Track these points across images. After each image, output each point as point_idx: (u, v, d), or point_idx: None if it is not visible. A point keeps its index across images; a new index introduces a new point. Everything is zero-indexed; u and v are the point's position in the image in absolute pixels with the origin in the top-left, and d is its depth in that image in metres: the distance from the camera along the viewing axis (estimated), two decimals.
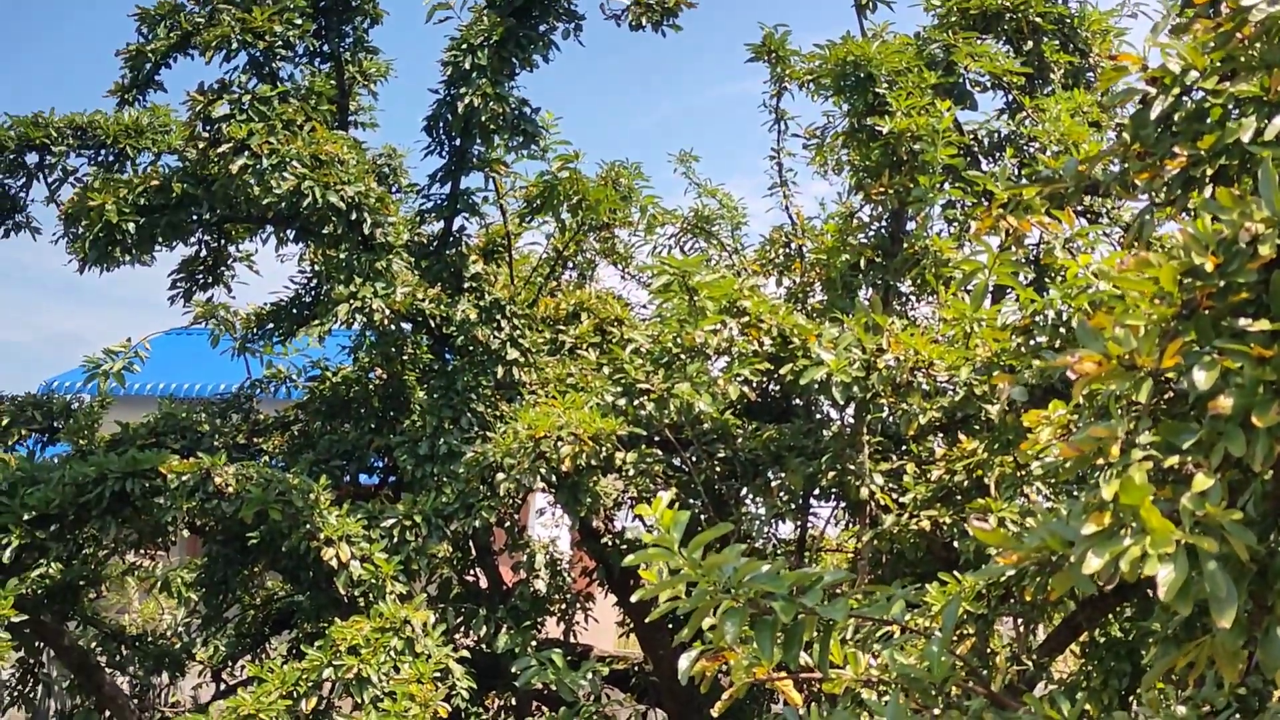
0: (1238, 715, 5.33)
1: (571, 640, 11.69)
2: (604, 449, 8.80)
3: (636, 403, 9.36)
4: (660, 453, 9.69)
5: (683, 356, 9.11)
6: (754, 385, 9.18)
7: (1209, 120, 3.74)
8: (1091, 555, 2.79)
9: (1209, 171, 3.70)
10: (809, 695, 6.10)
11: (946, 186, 9.24)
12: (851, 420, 9.34)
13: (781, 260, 12.11)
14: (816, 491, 9.63)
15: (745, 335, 8.92)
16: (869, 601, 7.79)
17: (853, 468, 8.99)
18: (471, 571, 10.91)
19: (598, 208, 10.17)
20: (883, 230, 10.10)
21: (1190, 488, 2.85)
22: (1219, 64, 3.71)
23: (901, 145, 9.15)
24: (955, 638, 8.09)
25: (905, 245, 9.63)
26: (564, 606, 11.51)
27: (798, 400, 10.57)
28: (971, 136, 10.50)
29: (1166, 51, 3.91)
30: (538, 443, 8.66)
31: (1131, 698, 7.42)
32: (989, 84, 10.18)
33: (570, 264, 13.18)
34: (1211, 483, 2.84)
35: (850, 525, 10.43)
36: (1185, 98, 3.97)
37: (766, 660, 4.97)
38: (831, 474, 9.14)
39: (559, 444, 8.66)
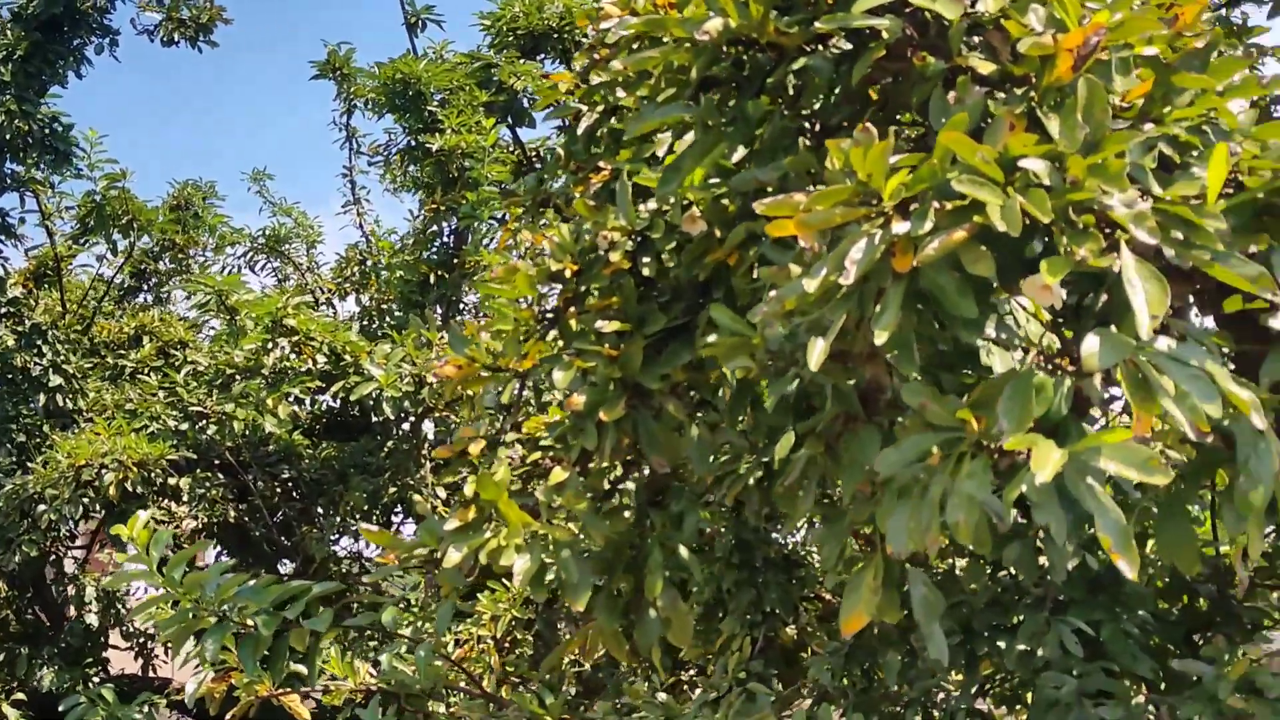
0: (743, 696, 5.65)
1: (151, 674, 11.27)
2: (152, 475, 8.56)
3: (199, 426, 9.16)
4: (221, 476, 9.50)
5: (237, 377, 8.99)
6: (306, 404, 9.11)
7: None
8: (452, 549, 2.92)
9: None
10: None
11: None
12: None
13: (358, 278, 12.07)
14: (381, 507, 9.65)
15: (300, 354, 8.86)
16: (415, 616, 7.87)
17: (413, 482, 9.06)
18: (32, 610, 10.40)
19: (151, 228, 9.87)
20: (446, 246, 10.23)
21: (548, 480, 3.02)
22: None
23: (452, 162, 9.30)
24: (507, 643, 8.24)
25: (464, 260, 9.79)
26: (141, 640, 11.09)
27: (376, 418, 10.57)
28: (534, 152, 10.75)
29: (598, 70, 4.13)
30: (79, 471, 8.36)
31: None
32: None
33: (146, 285, 12.76)
34: (567, 475, 3.03)
35: None
36: (613, 116, 4.19)
37: (252, 675, 4.94)
38: (393, 489, 9.18)
39: (103, 472, 8.37)
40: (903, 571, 2.46)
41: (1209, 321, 3.39)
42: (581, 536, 3.00)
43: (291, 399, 8.51)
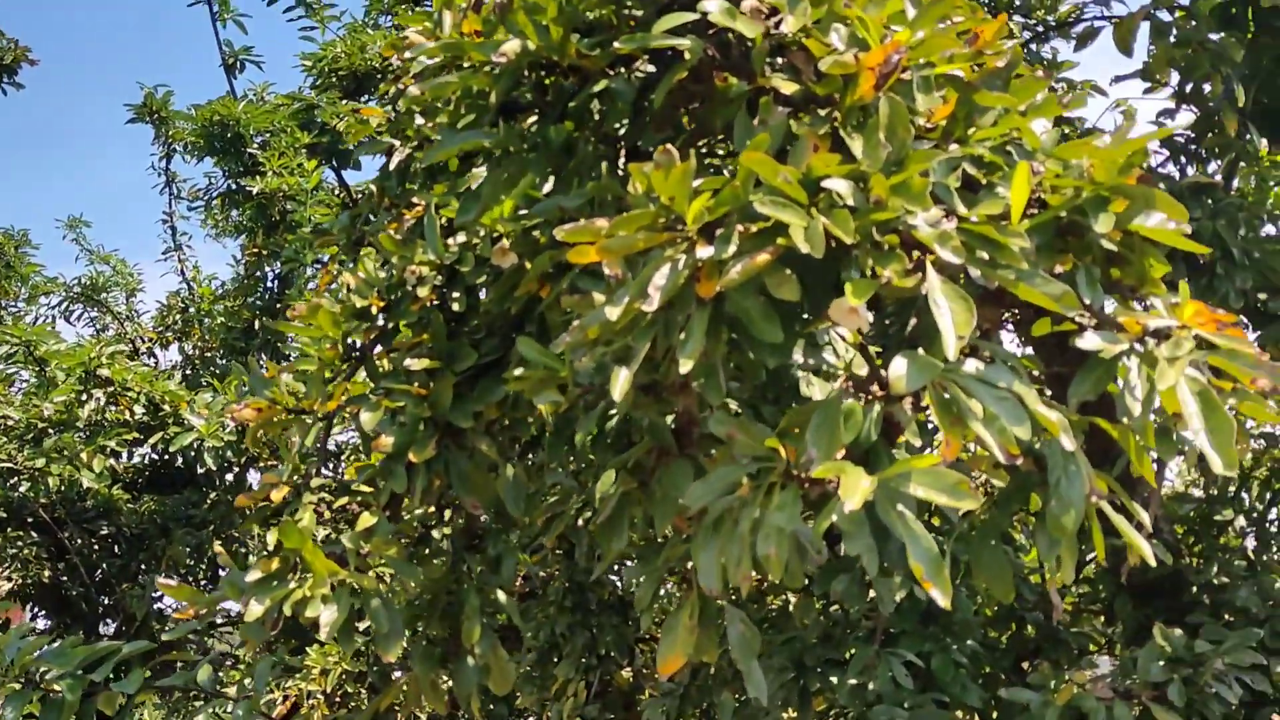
0: None
1: None
2: None
3: (10, 483, 8.77)
4: (34, 535, 9.08)
5: (50, 431, 8.62)
6: (123, 456, 8.77)
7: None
8: (254, 602, 2.77)
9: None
10: None
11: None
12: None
13: (180, 326, 11.70)
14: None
15: (116, 405, 8.54)
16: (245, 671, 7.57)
17: (237, 535, 8.78)
18: None
19: None
20: (270, 291, 9.98)
21: (356, 526, 2.89)
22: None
23: (274, 205, 9.08)
24: (338, 698, 8.00)
25: (289, 304, 9.55)
26: None
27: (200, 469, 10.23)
28: (359, 193, 10.55)
29: (403, 100, 4.01)
30: None
31: None
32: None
33: None
34: (375, 520, 2.89)
35: None
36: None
37: None
38: (219, 541, 8.88)
39: None
40: (720, 609, 2.38)
41: (1030, 349, 3.40)
42: (394, 584, 2.87)
43: (108, 452, 8.17)
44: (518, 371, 2.44)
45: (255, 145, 9.19)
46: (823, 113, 2.16)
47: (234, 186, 9.53)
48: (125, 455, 8.77)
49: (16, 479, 8.86)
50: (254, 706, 4.81)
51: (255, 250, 9.11)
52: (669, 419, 2.53)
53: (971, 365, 2.00)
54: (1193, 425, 1.96)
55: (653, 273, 1.99)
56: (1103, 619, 5.33)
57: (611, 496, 2.46)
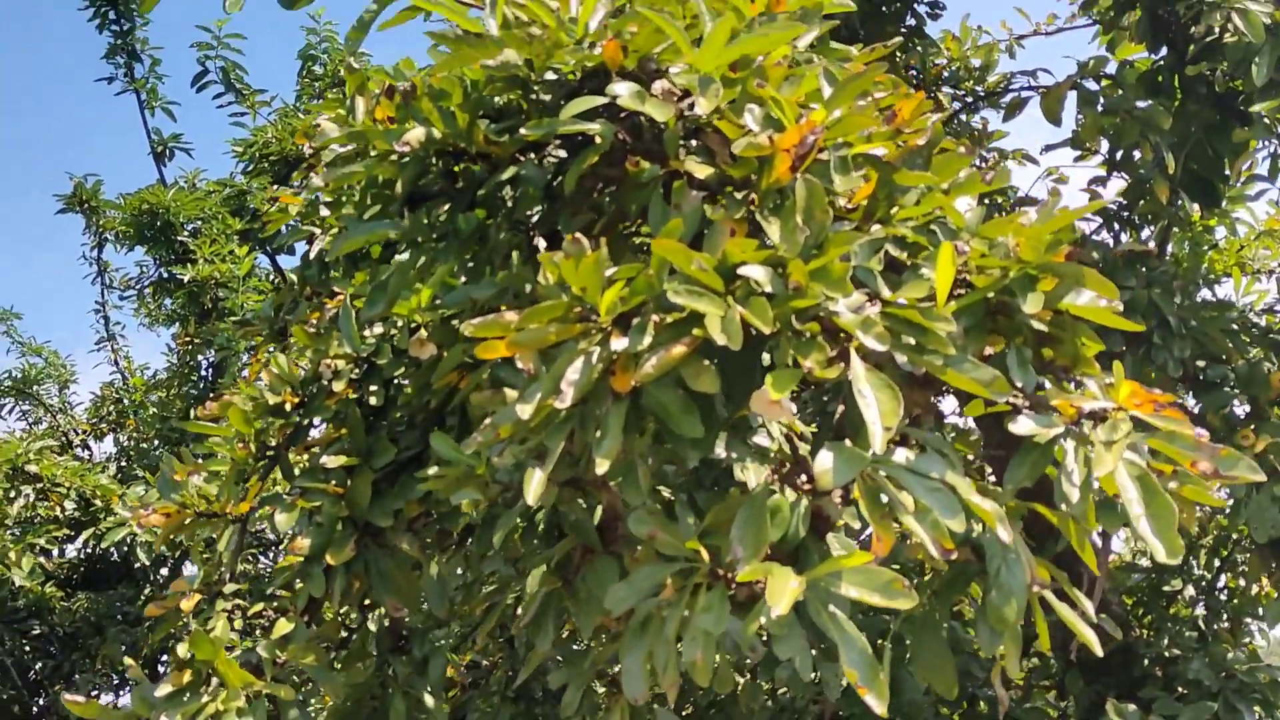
0: None
1: None
2: None
3: None
4: None
5: None
6: (54, 553, 8.54)
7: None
8: (164, 718, 2.62)
9: None
10: None
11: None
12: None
13: (114, 417, 11.47)
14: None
15: (47, 501, 8.34)
16: None
17: (174, 632, 8.54)
18: None
19: None
20: (205, 379, 9.80)
21: (272, 633, 2.76)
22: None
23: (206, 293, 8.94)
24: None
25: (223, 392, 9.38)
26: None
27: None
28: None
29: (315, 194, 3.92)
30: None
31: None
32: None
33: None
34: (292, 626, 2.76)
35: None
36: None
37: None
38: (155, 639, 8.63)
39: None
40: (650, 713, 2.27)
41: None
42: (314, 692, 2.74)
43: (38, 550, 7.95)
44: (433, 470, 2.33)
45: (186, 233, 9.06)
46: (739, 196, 2.09)
47: (165, 275, 9.39)
48: (56, 552, 8.53)
49: None
50: None
51: (188, 339, 8.95)
52: (596, 514, 2.43)
53: (901, 455, 1.92)
54: (1133, 511, 1.89)
55: (565, 367, 1.90)
56: (1054, 694, 5.23)
57: (535, 596, 2.35)
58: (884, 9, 5.49)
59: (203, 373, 9.90)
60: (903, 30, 5.61)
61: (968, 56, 6.22)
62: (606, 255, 1.93)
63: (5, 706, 9.34)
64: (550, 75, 2.24)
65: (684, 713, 5.41)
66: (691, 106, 2.14)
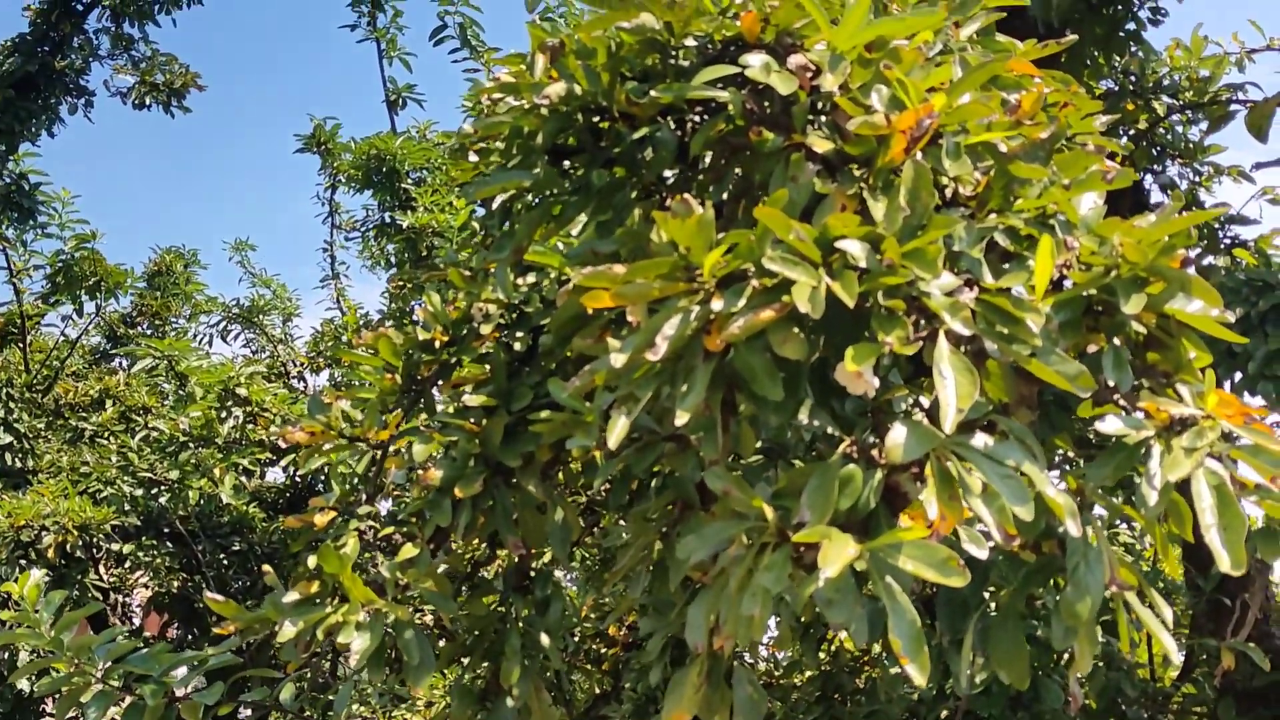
0: None
1: None
2: (94, 539, 8.43)
3: (152, 493, 9.06)
4: (169, 545, 9.36)
5: (190, 445, 8.90)
6: (255, 475, 8.99)
7: None
8: (288, 623, 2.80)
9: None
10: None
11: None
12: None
13: (331, 353, 11.97)
14: None
15: (255, 424, 8.78)
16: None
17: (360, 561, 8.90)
18: None
19: (121, 290, 9.82)
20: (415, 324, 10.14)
21: (397, 556, 2.91)
22: None
23: (423, 240, 9.25)
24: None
25: None
26: None
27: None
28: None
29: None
30: (19, 532, 8.21)
31: None
32: None
33: (117, 349, 12.66)
34: (417, 551, 2.91)
35: None
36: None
37: None
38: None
39: (42, 533, 8.24)
40: (730, 669, 2.33)
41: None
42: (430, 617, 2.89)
43: (241, 470, 8.39)
44: (544, 414, 2.43)
45: (410, 181, 9.38)
46: (856, 172, 2.13)
47: (388, 220, 9.74)
48: (258, 474, 8.98)
49: (157, 490, 9.15)
50: None
51: (401, 283, 9.27)
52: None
53: (980, 440, 1.94)
54: (1205, 520, 1.87)
55: (663, 322, 1.98)
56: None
57: (630, 547, 2.44)
58: (1103, 10, 5.37)
59: (414, 318, 10.25)
60: (1121, 33, 5.48)
61: (1195, 68, 6.04)
62: (713, 217, 1.99)
63: (202, 616, 9.88)
64: (691, 42, 2.31)
65: (817, 694, 5.45)
66: (817, 82, 2.18)
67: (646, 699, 6.73)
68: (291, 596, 2.82)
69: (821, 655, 5.66)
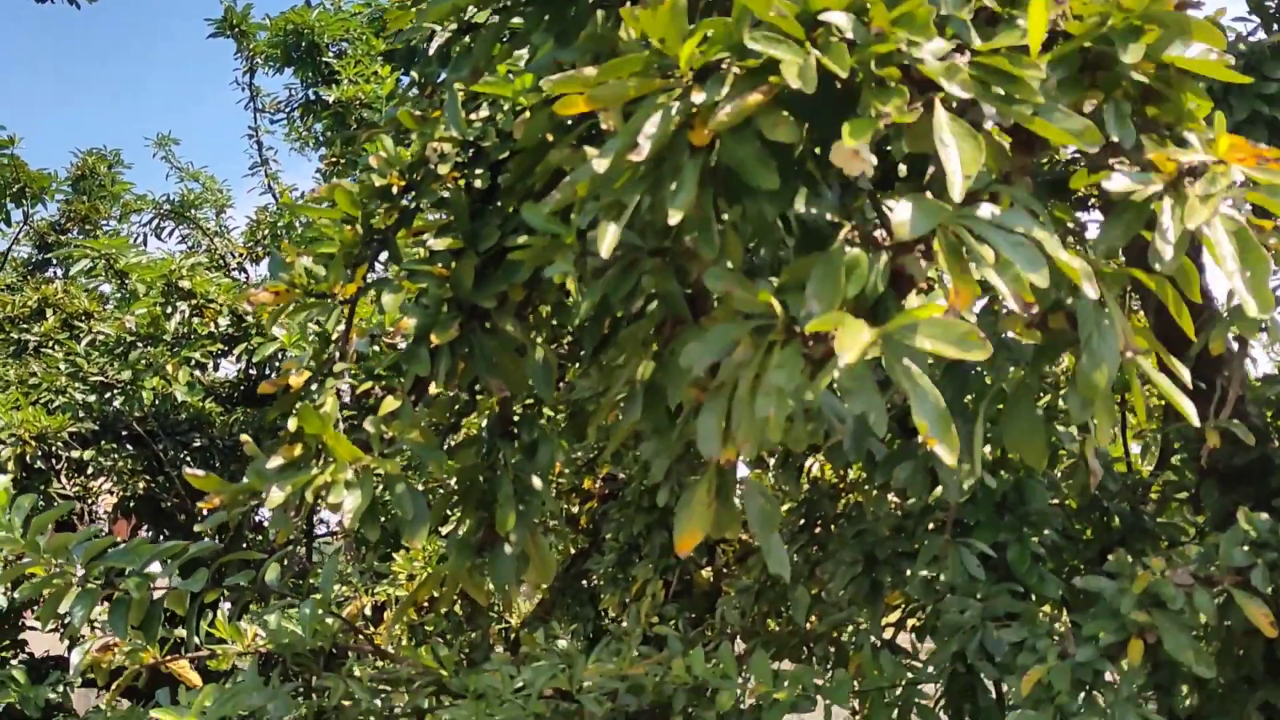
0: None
1: None
2: (53, 448, 8.29)
3: (105, 397, 8.91)
4: (129, 448, 9.23)
5: (138, 344, 8.73)
6: (209, 369, 8.85)
7: None
8: (275, 488, 2.71)
9: None
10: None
11: None
12: None
13: (269, 241, 11.74)
14: None
15: (201, 317, 8.62)
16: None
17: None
18: None
19: (46, 195, 9.54)
20: None
21: (379, 411, 2.82)
22: None
23: (351, 114, 9.02)
24: (426, 603, 8.06)
25: None
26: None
27: None
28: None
29: None
30: None
31: None
32: None
33: (55, 258, 12.36)
34: (399, 404, 2.82)
35: None
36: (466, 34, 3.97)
37: (130, 643, 4.72)
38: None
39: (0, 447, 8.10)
40: (737, 482, 2.27)
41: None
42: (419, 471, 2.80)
43: (193, 364, 8.24)
44: (521, 239, 2.33)
45: (331, 54, 9.12)
46: None
47: (313, 97, 9.48)
48: (211, 367, 8.84)
49: (110, 393, 9.00)
50: (323, 604, 4.80)
51: (334, 159, 9.07)
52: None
53: (987, 210, 1.86)
54: (1226, 266, 1.81)
55: (643, 121, 1.87)
56: (1190, 509, 5.13)
57: (624, 369, 2.35)
58: None
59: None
60: None
61: None
62: (685, 4, 1.87)
63: (170, 515, 9.80)
64: None
65: (800, 523, 5.45)
66: None
67: (629, 547, 6.74)
68: (275, 462, 2.73)
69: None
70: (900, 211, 1.79)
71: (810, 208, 2.00)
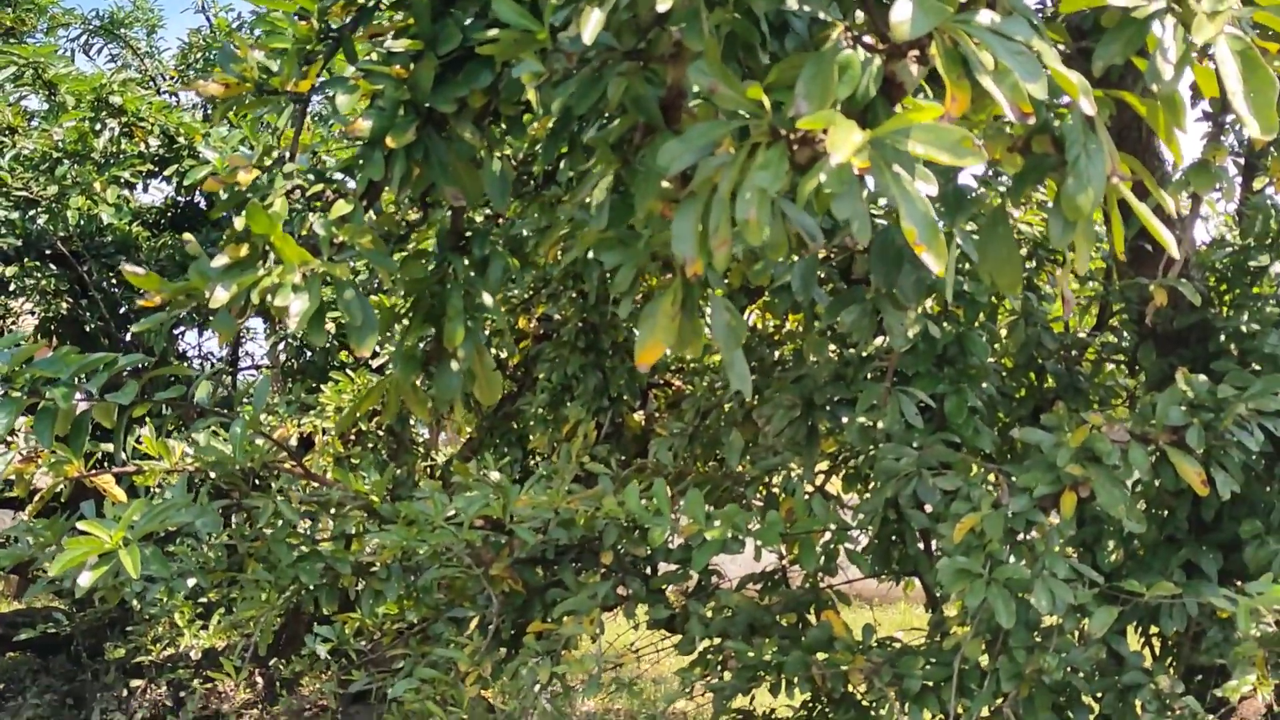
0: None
1: None
2: None
3: (29, 215, 8.68)
4: (53, 267, 9.02)
5: (64, 160, 8.48)
6: (137, 189, 8.63)
7: None
8: (219, 288, 2.62)
9: None
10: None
11: None
12: None
13: (202, 65, 11.39)
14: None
15: (131, 136, 8.37)
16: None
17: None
18: None
19: None
20: None
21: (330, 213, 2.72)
22: None
23: None
24: (353, 435, 8.01)
25: None
26: None
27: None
28: None
29: None
30: None
31: None
32: None
33: None
34: (351, 208, 2.73)
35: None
36: None
37: (55, 454, 4.62)
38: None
39: None
40: (704, 296, 2.21)
41: None
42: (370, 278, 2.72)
43: (122, 183, 8.01)
44: (491, 33, 2.22)
45: None
46: None
47: None
48: (140, 189, 8.61)
49: (34, 211, 8.76)
50: (253, 425, 4.72)
51: None
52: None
53: (986, 16, 1.79)
54: (1230, 86, 1.76)
55: None
56: (1125, 371, 5.16)
57: (592, 176, 2.27)
58: None
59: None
60: None
61: None
62: None
63: (94, 337, 9.62)
64: None
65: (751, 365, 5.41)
66: None
67: (562, 388, 6.70)
68: (220, 261, 2.63)
69: None
70: (900, 10, 1.71)
71: (803, 4, 1.92)
